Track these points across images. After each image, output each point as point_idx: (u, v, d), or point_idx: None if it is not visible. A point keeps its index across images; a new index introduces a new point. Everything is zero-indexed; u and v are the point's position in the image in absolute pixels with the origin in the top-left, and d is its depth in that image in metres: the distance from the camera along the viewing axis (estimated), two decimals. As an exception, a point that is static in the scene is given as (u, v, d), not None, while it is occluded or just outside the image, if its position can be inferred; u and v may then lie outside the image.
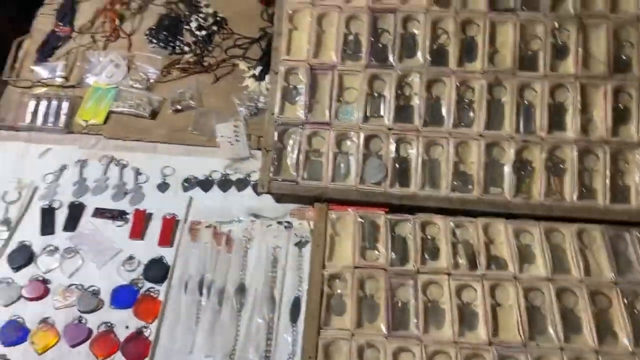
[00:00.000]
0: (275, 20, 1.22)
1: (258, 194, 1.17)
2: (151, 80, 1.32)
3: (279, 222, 1.14)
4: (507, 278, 1.04)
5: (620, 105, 1.11)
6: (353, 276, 1.04)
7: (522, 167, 1.11)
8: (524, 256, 1.06)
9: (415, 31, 1.18)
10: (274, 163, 1.15)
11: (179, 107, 1.29)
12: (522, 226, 1.09)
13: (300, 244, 1.12)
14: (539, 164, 1.11)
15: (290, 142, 1.17)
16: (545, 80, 1.13)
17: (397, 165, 1.13)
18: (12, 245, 1.09)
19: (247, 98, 1.31)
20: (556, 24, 1.14)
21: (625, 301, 1.00)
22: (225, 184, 1.19)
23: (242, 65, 1.37)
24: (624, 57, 1.13)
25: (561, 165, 1.11)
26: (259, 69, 1.35)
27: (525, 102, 1.14)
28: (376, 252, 1.08)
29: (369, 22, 1.19)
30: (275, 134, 1.16)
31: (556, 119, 1.12)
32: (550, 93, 1.13)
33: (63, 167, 1.19)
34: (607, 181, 1.09)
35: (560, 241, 1.08)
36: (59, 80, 1.31)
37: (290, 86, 1.19)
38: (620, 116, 1.11)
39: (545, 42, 1.14)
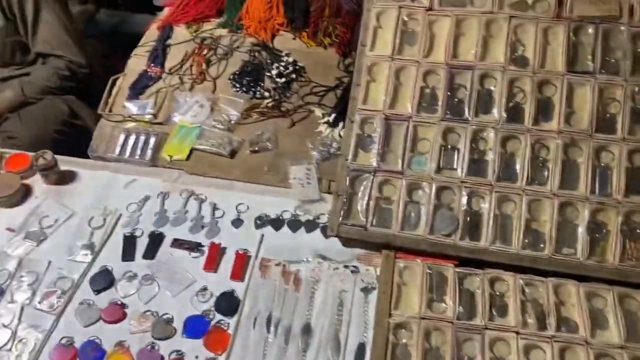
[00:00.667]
0: (355, 71, 1.28)
1: (327, 236, 1.20)
2: (232, 122, 1.40)
3: (346, 266, 1.16)
4: (578, 342, 1.01)
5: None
6: (419, 327, 1.04)
7: (596, 229, 1.10)
8: (596, 321, 1.04)
9: (492, 88, 1.21)
10: (344, 207, 1.18)
11: (256, 148, 1.35)
12: (595, 290, 1.07)
13: (366, 290, 1.13)
14: (614, 227, 1.09)
15: (362, 188, 1.20)
16: (623, 144, 1.13)
17: (468, 219, 1.14)
18: (95, 269, 1.15)
19: (321, 143, 1.36)
20: (636, 89, 1.14)
21: None
22: (295, 224, 1.23)
23: (318, 111, 1.43)
24: None
25: (638, 230, 1.09)
26: (333, 115, 1.40)
27: (602, 164, 1.13)
28: (443, 304, 1.08)
29: (446, 77, 1.22)
30: (347, 179, 1.20)
31: (634, 183, 1.11)
32: (628, 157, 1.12)
33: (146, 198, 1.26)
34: (688, 250, 1.06)
35: (634, 308, 1.05)
36: (147, 117, 1.41)
37: (365, 134, 1.23)
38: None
39: (624, 106, 1.14)
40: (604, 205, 1.11)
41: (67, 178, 1.30)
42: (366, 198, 1.19)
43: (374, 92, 1.26)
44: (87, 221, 1.23)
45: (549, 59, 1.20)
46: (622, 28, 1.18)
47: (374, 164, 1.20)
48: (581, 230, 1.10)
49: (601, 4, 1.20)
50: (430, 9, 1.27)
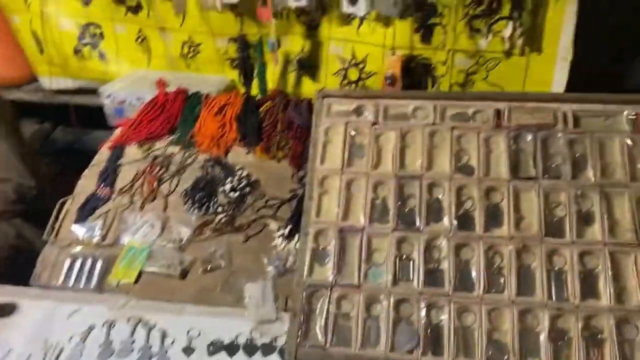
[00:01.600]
0: (307, 185, 1.28)
1: (285, 360, 1.14)
2: (184, 241, 1.36)
3: (307, 391, 1.10)
4: None
5: (653, 273, 1.10)
6: None
7: (558, 336, 1.08)
8: None
9: (441, 197, 1.22)
10: (301, 327, 1.13)
11: (209, 266, 1.31)
12: (565, 403, 1.03)
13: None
14: (575, 334, 1.07)
15: (319, 305, 1.16)
16: (573, 247, 1.14)
17: (429, 332, 1.11)
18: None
19: (277, 257, 1.33)
20: (579, 192, 1.18)
21: None
22: (251, 349, 1.16)
23: (273, 224, 1.42)
24: (651, 224, 1.14)
25: (599, 335, 1.07)
26: (288, 228, 1.38)
27: (556, 268, 1.13)
28: None
29: (395, 187, 1.24)
30: (304, 297, 1.16)
31: (589, 286, 1.11)
32: (579, 259, 1.13)
33: (90, 328, 1.18)
34: (652, 354, 1.04)
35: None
36: (95, 240, 1.36)
37: (320, 248, 1.21)
38: (655, 284, 1.09)
39: (569, 209, 1.17)
40: (563, 311, 1.09)
41: (4, 310, 1.22)
42: (324, 315, 1.15)
43: (327, 205, 1.26)
44: (25, 359, 1.13)
45: (493, 167, 1.24)
46: (559, 135, 1.24)
47: (330, 278, 1.18)
48: (543, 339, 1.08)
49: (537, 113, 1.26)
50: (375, 123, 1.31)
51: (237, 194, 1.47)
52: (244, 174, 1.51)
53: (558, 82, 1.53)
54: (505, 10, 1.50)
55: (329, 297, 1.16)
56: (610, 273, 1.10)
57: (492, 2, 1.50)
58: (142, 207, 1.45)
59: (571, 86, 1.50)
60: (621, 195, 1.17)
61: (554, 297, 1.11)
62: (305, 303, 1.16)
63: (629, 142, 1.21)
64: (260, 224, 1.42)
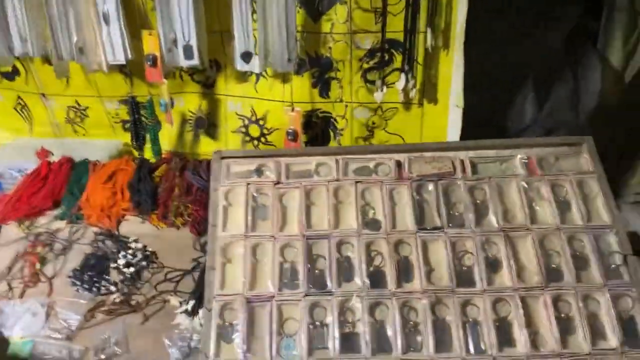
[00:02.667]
0: (208, 255, 1.19)
1: None
2: (72, 328, 1.21)
3: None
4: None
5: (562, 314, 1.10)
6: None
7: (478, 389, 1.05)
8: None
9: (350, 254, 1.18)
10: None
11: (102, 356, 1.16)
12: None
13: None
14: (495, 385, 1.05)
15: (230, 389, 1.06)
16: (485, 295, 1.13)
17: (349, 404, 1.04)
18: None
19: (179, 337, 1.21)
20: (484, 238, 1.18)
21: None
22: None
23: (174, 300, 1.30)
24: (553, 266, 1.15)
25: (517, 387, 1.05)
26: (191, 303, 1.27)
27: (470, 319, 1.11)
28: None
29: (303, 248, 1.18)
30: (212, 381, 1.06)
31: (504, 334, 1.09)
32: (492, 308, 1.11)
33: None
34: (570, 398, 1.03)
35: None
36: (-37, 339, 1.17)
37: (226, 323, 1.11)
38: (565, 326, 1.09)
39: (477, 257, 1.16)
40: (482, 364, 1.07)
41: None
42: (236, 401, 1.04)
43: (232, 274, 1.17)
44: None
45: (399, 219, 1.22)
46: (459, 182, 1.25)
47: (240, 357, 1.08)
48: (466, 395, 1.04)
49: (435, 162, 1.27)
50: (278, 182, 1.26)
51: (132, 269, 1.34)
52: (140, 245, 1.39)
53: (452, 129, 1.57)
54: (397, 62, 1.53)
55: (241, 379, 1.06)
56: (523, 319, 1.09)
57: (384, 55, 1.52)
58: (22, 294, 1.28)
59: (466, 133, 1.53)
60: (524, 239, 1.18)
61: (471, 350, 1.08)
62: (214, 387, 1.05)
63: (524, 184, 1.24)
64: (159, 300, 1.30)
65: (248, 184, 1.26)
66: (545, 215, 1.21)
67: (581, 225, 1.19)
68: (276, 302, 1.13)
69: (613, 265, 1.15)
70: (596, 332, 1.09)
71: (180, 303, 1.29)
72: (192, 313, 1.26)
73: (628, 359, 1.06)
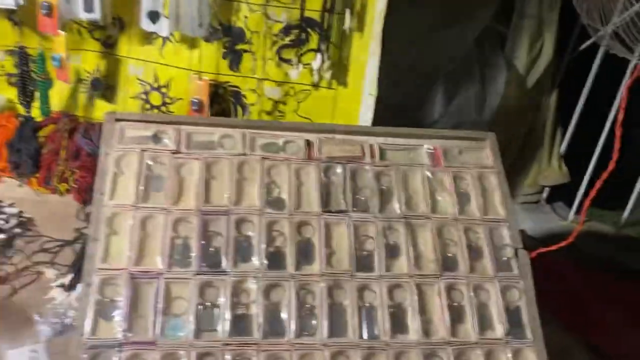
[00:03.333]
0: (91, 224, 1.08)
1: None
2: None
3: None
4: None
5: (454, 303, 1.12)
6: None
7: (370, 377, 1.03)
8: None
9: (250, 233, 1.12)
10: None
11: (-44, 332, 1.02)
12: None
13: None
14: (386, 373, 1.04)
15: (105, 370, 0.96)
16: (382, 281, 1.11)
17: (236, 388, 0.98)
18: None
19: (52, 313, 1.09)
20: (386, 224, 1.17)
21: None
22: None
23: (49, 273, 1.18)
24: (449, 255, 1.17)
25: (407, 376, 1.05)
26: (69, 277, 1.16)
27: (366, 304, 1.09)
28: None
29: (199, 224, 1.10)
30: (85, 361, 0.95)
31: (398, 321, 1.09)
32: (388, 293, 1.10)
33: None
34: (456, 385, 1.05)
35: None
36: None
37: (106, 299, 1.02)
38: (456, 315, 1.11)
39: (377, 243, 1.15)
40: (374, 350, 1.05)
41: None
42: (111, 383, 0.95)
43: (116, 247, 1.07)
44: None
45: (304, 200, 1.17)
46: (367, 167, 1.23)
47: (119, 335, 0.99)
48: (356, 381, 1.02)
49: (345, 145, 1.24)
50: (176, 151, 1.17)
51: (3, 236, 1.19)
52: (14, 211, 1.24)
53: (364, 116, 1.56)
54: (314, 42, 1.49)
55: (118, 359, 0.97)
56: (417, 306, 1.10)
57: (301, 33, 1.47)
58: None
59: (378, 120, 1.53)
60: (424, 227, 1.18)
61: (365, 335, 1.06)
62: (87, 369, 0.95)
63: (429, 174, 1.24)
64: (33, 272, 1.16)
65: (143, 150, 1.16)
66: (445, 205, 1.22)
67: (478, 217, 1.21)
68: (164, 279, 1.05)
69: (504, 258, 1.18)
70: (485, 322, 1.11)
71: (57, 276, 1.17)
72: (69, 287, 1.15)
73: (512, 348, 1.10)
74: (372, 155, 1.24)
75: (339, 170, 1.21)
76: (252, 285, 1.07)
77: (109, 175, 1.13)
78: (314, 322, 1.06)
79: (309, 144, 1.24)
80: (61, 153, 1.38)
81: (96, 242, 1.06)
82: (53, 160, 1.36)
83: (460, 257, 1.17)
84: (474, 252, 1.18)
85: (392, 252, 1.15)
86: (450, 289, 1.13)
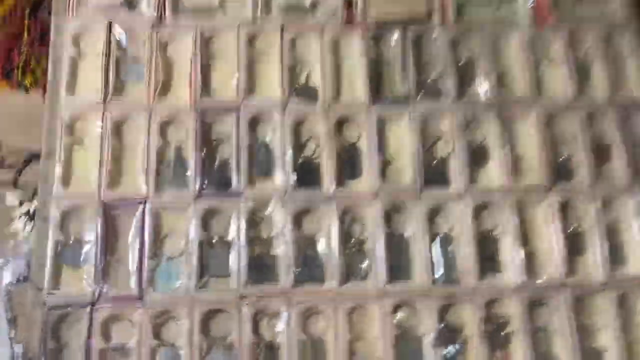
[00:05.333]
0: (43, 134, 0.76)
1: None
2: None
3: None
4: None
5: (571, 227, 0.77)
6: None
7: (450, 336, 0.72)
8: None
9: (269, 138, 0.78)
10: (42, 382, 0.66)
11: None
12: None
13: None
14: (472, 331, 0.72)
15: (73, 336, 0.69)
16: (463, 199, 0.76)
17: (259, 357, 0.69)
18: None
19: (13, 251, 0.81)
20: (468, 115, 0.80)
21: None
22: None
23: (11, 197, 0.88)
24: (563, 158, 0.80)
25: (502, 330, 0.73)
26: (36, 203, 0.86)
27: (440, 233, 0.76)
28: None
29: (196, 127, 0.76)
30: (45, 326, 0.68)
31: (486, 256, 0.75)
32: (473, 216, 0.76)
33: None
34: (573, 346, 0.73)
35: None
36: None
37: (71, 239, 0.72)
38: (574, 244, 0.76)
39: (456, 143, 0.78)
40: (453, 298, 0.73)
41: None
42: (83, 353, 0.68)
43: (82, 164, 0.76)
44: None
45: (345, 86, 0.80)
46: (436, 33, 0.83)
47: (91, 289, 0.70)
48: (427, 342, 0.71)
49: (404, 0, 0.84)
50: (160, 21, 0.80)
51: (-52, 150, 0.90)
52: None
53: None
54: None
55: (91, 322, 0.69)
56: (516, 233, 0.75)
57: None
58: None
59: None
60: (524, 119, 0.80)
61: (437, 278, 0.74)
62: (51, 336, 0.68)
63: (529, 38, 0.84)
64: (-12, 197, 0.88)
65: (111, 23, 0.80)
66: (555, 85, 0.82)
67: (605, 99, 0.82)
68: (151, 207, 0.73)
69: (646, 155, 0.80)
70: (615, 254, 0.76)
71: (21, 202, 0.88)
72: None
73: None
74: (444, 13, 0.84)
75: (394, 37, 0.82)
76: (276, 211, 0.75)
77: (65, 60, 0.79)
78: (364, 262, 0.74)
79: (349, 3, 0.84)
80: (24, 36, 1.05)
81: (52, 159, 0.75)
82: (14, 45, 1.03)
83: (578, 161, 0.79)
84: (600, 152, 0.80)
85: (477, 156, 0.79)
86: (565, 207, 0.77)
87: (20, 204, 0.89)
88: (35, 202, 0.87)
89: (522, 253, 0.74)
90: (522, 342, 0.72)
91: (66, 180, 0.74)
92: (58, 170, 0.74)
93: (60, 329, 0.69)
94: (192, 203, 0.74)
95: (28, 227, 0.85)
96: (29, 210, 0.87)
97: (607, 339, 0.73)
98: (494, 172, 0.78)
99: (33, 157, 0.94)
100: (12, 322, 0.76)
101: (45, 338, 0.68)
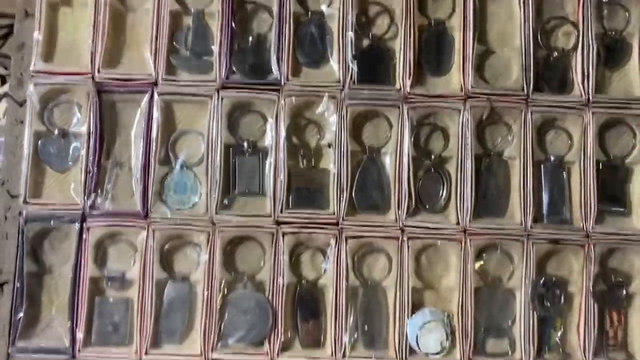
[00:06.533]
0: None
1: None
2: None
3: None
4: None
5: None
6: None
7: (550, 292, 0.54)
8: None
9: (325, 9, 0.56)
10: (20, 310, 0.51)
11: None
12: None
13: None
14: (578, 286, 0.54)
15: (56, 259, 0.53)
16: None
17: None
18: None
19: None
20: None
21: None
22: None
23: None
24: None
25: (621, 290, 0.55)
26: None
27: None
28: None
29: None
30: (22, 243, 0.52)
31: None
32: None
33: None
34: None
35: None
36: None
37: (55, 131, 0.54)
38: None
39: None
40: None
41: None
42: (70, 281, 0.52)
43: (70, 31, 0.56)
44: None
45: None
46: None
47: (80, 198, 0.53)
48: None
49: None
50: None
51: None
52: None
53: None
54: None
55: (79, 243, 0.53)
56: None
57: None
58: None
59: None
60: None
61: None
62: (28, 257, 0.52)
63: None
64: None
65: None
66: None
67: None
68: (161, 95, 0.54)
69: None
70: None
71: (3, 79, 0.70)
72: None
73: None
74: None
75: None
76: (328, 112, 0.55)
77: None
78: (443, 189, 0.55)
79: None
80: None
81: (29, 21, 0.55)
82: None
83: None
84: None
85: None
86: None
87: (2, 80, 0.71)
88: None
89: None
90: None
91: (49, 52, 0.55)
92: (37, 37, 0.54)
93: (41, 249, 0.53)
94: (215, 93, 0.54)
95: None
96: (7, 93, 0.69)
97: None
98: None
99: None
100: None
101: (22, 258, 0.52)
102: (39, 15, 0.55)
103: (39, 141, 0.54)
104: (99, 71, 0.54)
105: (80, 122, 0.54)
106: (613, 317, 0.54)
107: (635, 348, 0.54)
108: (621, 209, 0.55)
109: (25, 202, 0.53)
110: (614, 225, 0.55)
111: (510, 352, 0.53)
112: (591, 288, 0.54)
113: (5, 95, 0.69)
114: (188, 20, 0.56)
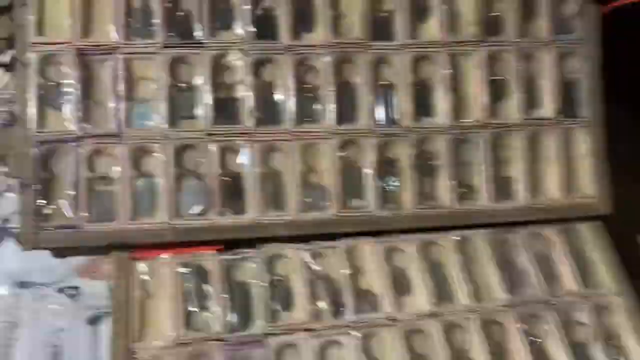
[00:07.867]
0: (13, -18, 0.80)
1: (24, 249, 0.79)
2: None
3: (60, 290, 0.78)
4: (382, 322, 0.79)
5: (497, 77, 0.88)
6: (176, 361, 0.72)
7: (387, 169, 0.86)
8: (400, 285, 0.83)
9: (228, -10, 0.84)
10: (39, 204, 0.77)
11: None
12: (395, 244, 0.85)
13: (95, 320, 0.77)
14: (406, 163, 0.86)
15: (63, 168, 0.79)
16: (404, 52, 0.86)
17: (225, 185, 0.82)
18: None
19: (-3, 99, 0.89)
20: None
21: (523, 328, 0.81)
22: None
23: (-13, 46, 0.94)
24: (494, 14, 0.89)
25: (431, 162, 0.87)
26: (10, 53, 0.92)
27: (384, 82, 0.86)
28: (208, 314, 0.77)
29: (161, -21, 0.82)
30: (37, 159, 0.78)
31: (422, 101, 0.87)
32: (412, 68, 0.86)
33: None
34: (489, 176, 0.88)
35: (439, 257, 0.86)
36: None
37: (51, 83, 0.79)
38: (498, 91, 0.88)
39: (400, 1, 0.86)
40: (392, 137, 0.86)
41: None
42: (72, 183, 0.79)
43: (55, 13, 0.80)
44: None
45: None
46: None
47: (73, 127, 0.79)
48: (369, 174, 0.85)
49: None
50: None
51: None
52: None
53: None
54: None
55: (77, 156, 0.79)
56: (448, 82, 0.87)
57: None
58: None
59: None
60: (463, -19, 0.89)
61: (381, 119, 0.86)
62: (41, 168, 0.78)
63: None
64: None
65: None
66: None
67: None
68: (122, 55, 0.81)
69: (566, 16, 0.91)
70: (533, 99, 0.90)
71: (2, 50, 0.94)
72: (14, 67, 0.91)
73: (562, 129, 0.90)
74: None
75: None
76: (236, 60, 0.83)
77: None
78: (317, 106, 0.84)
79: None
80: None
81: (25, 7, 0.80)
82: None
83: (507, 16, 0.89)
84: (526, 10, 0.90)
85: (419, 12, 0.87)
86: (493, 58, 0.88)
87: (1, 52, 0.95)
88: (9, 52, 0.93)
89: (449, 98, 0.86)
90: (446, 173, 0.86)
91: (39, 28, 0.79)
92: (33, 19, 0.79)
93: (50, 162, 0.79)
94: (159, 52, 0.81)
95: (7, 77, 0.92)
96: (5, 62, 0.93)
97: (517, 171, 0.89)
98: (434, 27, 0.87)
99: (3, 10, 0.98)
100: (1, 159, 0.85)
101: (37, 171, 0.78)
102: (33, 4, 0.79)
103: (41, 90, 0.79)
104: (77, 40, 0.80)
105: (68, 76, 0.80)
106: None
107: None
108: None
109: (37, 132, 0.78)
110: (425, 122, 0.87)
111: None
112: (413, 164, 0.85)
113: (2, 65, 0.93)
114: (137, 2, 0.82)
